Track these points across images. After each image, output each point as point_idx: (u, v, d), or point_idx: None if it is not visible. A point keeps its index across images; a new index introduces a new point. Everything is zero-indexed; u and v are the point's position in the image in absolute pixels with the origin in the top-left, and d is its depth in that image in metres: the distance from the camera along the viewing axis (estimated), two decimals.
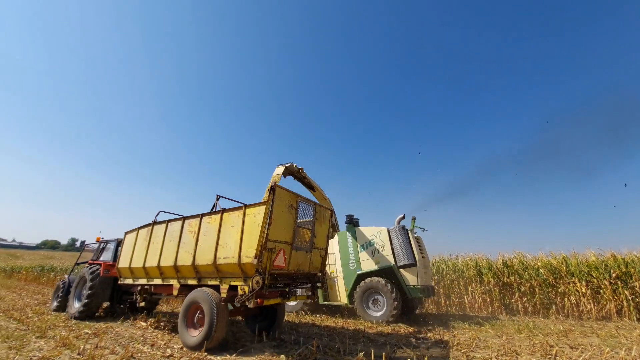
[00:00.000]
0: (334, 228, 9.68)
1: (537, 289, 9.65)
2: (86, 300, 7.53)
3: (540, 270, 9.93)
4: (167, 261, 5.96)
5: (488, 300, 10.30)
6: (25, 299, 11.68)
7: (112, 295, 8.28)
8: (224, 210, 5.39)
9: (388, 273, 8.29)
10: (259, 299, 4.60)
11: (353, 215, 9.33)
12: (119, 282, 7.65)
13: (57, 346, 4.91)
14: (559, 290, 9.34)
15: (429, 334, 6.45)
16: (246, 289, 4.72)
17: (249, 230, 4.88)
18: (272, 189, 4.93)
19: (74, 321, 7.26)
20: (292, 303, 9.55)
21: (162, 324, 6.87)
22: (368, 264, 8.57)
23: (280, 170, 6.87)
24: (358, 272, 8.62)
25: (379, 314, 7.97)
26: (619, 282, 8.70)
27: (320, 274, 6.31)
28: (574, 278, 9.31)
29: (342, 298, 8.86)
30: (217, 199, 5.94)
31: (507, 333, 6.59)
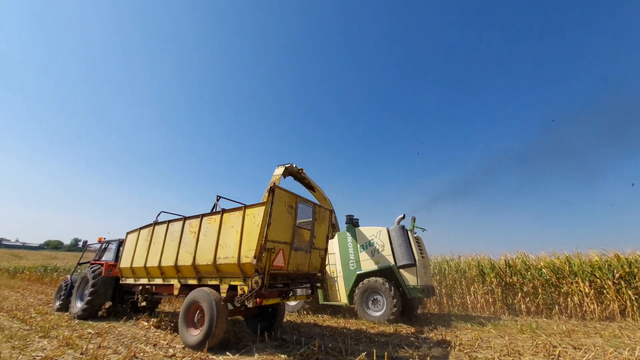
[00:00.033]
0: (334, 228, 9.70)
1: (539, 289, 9.58)
2: (89, 298, 7.60)
3: (543, 270, 9.87)
4: (168, 261, 5.99)
5: (490, 300, 10.25)
6: (28, 299, 11.77)
7: (114, 295, 8.33)
8: (224, 211, 5.41)
9: (388, 273, 8.28)
10: (258, 299, 4.62)
11: (353, 216, 9.32)
12: (120, 282, 7.70)
13: (60, 346, 4.94)
14: (562, 290, 9.27)
15: (431, 334, 6.43)
16: (245, 288, 4.73)
17: (248, 230, 4.89)
18: (272, 190, 4.94)
19: (77, 321, 7.31)
20: (292, 303, 9.55)
21: (164, 323, 6.89)
22: (368, 264, 8.56)
23: (280, 171, 6.89)
24: (358, 272, 8.61)
25: (378, 313, 7.96)
26: (622, 282, 8.63)
27: (319, 274, 6.31)
28: (577, 278, 9.24)
29: (342, 298, 8.85)
30: (217, 200, 5.97)
31: (509, 333, 6.55)
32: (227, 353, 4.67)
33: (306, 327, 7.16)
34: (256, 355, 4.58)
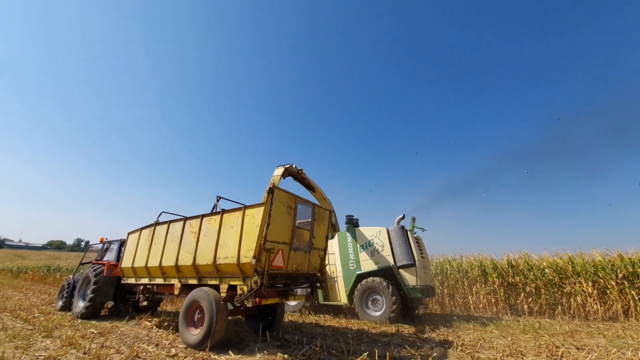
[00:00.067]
0: (334, 228, 9.69)
1: (542, 289, 9.52)
2: (91, 297, 7.66)
3: (546, 270, 9.80)
4: (169, 261, 6.01)
5: (493, 300, 10.19)
6: (31, 298, 11.85)
7: (116, 295, 8.38)
8: (223, 211, 5.42)
9: (387, 273, 8.26)
10: (257, 299, 4.63)
11: (353, 216, 9.31)
12: (122, 282, 7.74)
13: (63, 345, 4.96)
14: (565, 290, 9.20)
15: (433, 334, 6.41)
16: (245, 288, 4.74)
17: (247, 231, 4.91)
18: (271, 191, 4.95)
19: (79, 320, 7.35)
20: (291, 303, 9.56)
21: (166, 323, 6.91)
22: (368, 264, 8.55)
23: (279, 171, 6.90)
24: (358, 272, 8.60)
25: (378, 313, 7.95)
26: (625, 282, 8.55)
27: (319, 274, 6.31)
28: (580, 278, 9.17)
29: (342, 298, 8.84)
30: (218, 200, 5.99)
31: (512, 334, 6.50)
32: (229, 352, 4.67)
33: (308, 327, 7.15)
34: (258, 355, 4.58)
